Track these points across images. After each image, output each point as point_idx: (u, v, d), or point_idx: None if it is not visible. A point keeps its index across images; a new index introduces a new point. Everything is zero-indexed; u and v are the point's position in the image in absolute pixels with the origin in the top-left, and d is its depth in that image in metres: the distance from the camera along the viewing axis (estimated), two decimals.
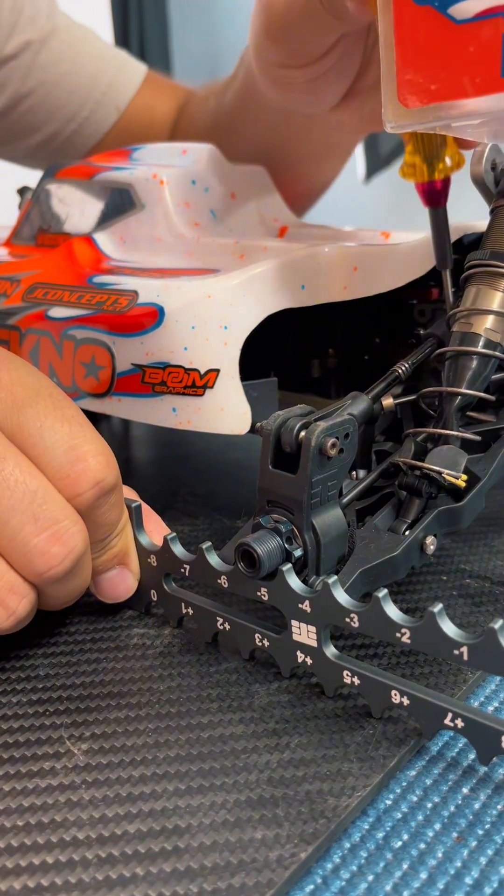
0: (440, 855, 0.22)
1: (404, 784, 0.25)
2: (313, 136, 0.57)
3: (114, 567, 0.32)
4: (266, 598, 0.29)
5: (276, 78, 0.45)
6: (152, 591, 0.33)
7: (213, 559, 0.30)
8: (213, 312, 0.37)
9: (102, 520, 0.30)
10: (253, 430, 0.37)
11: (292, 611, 0.28)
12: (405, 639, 0.25)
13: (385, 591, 0.25)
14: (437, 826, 0.23)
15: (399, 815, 0.24)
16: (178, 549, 0.31)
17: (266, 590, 0.28)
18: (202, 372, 0.37)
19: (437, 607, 0.24)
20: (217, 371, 0.37)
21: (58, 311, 0.42)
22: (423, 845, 0.23)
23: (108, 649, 0.31)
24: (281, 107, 0.50)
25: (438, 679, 0.29)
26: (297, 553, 0.29)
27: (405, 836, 0.23)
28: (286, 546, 0.29)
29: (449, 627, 0.24)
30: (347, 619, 0.26)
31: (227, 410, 0.37)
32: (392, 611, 0.25)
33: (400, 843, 0.23)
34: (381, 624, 0.26)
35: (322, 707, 0.28)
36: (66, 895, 0.21)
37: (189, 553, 0.31)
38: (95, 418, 0.58)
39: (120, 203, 0.49)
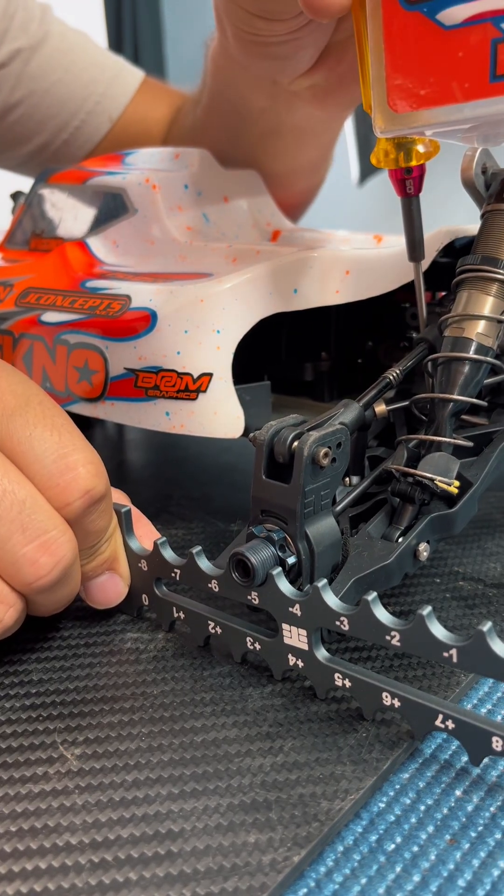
0: (433, 857, 0.23)
1: (397, 787, 0.25)
2: (292, 141, 0.55)
3: (104, 573, 0.32)
4: (257, 602, 0.29)
5: (252, 32, 0.40)
6: (143, 596, 0.33)
7: (204, 563, 0.30)
8: (205, 316, 0.37)
9: (92, 528, 0.30)
10: (246, 433, 0.37)
11: (283, 614, 0.28)
12: (395, 641, 0.25)
13: (374, 594, 0.26)
14: (431, 828, 0.23)
15: (392, 818, 0.24)
16: (168, 554, 0.31)
17: (257, 594, 0.28)
18: (195, 376, 0.37)
19: (426, 610, 0.24)
20: (210, 375, 0.37)
21: (51, 316, 0.43)
22: (416, 848, 0.23)
23: (101, 654, 0.31)
24: (252, 75, 0.47)
25: (432, 681, 0.29)
26: (291, 560, 0.29)
27: (398, 839, 0.23)
28: (280, 554, 0.29)
29: (438, 630, 0.24)
30: (337, 623, 0.26)
31: (220, 414, 0.37)
32: (381, 614, 0.25)
33: (393, 846, 0.23)
34: (370, 627, 0.26)
35: (315, 710, 0.28)
36: None
37: (179, 557, 0.31)
38: (89, 422, 0.58)
39: (113, 207, 0.49)
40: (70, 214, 0.51)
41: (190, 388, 0.37)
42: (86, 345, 0.40)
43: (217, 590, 0.30)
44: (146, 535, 0.34)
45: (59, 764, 0.26)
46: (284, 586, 0.28)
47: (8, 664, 0.31)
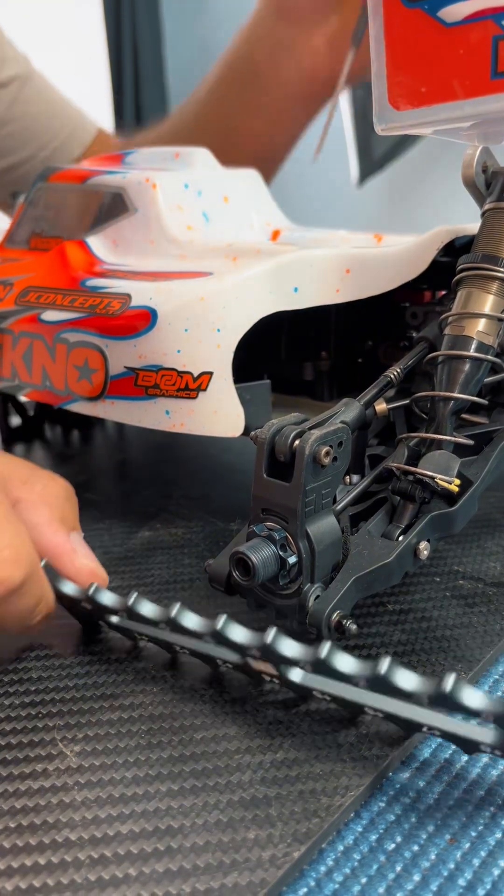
0: (433, 857, 0.22)
1: (397, 786, 0.25)
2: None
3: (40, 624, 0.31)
4: (201, 651, 0.28)
5: None
6: (100, 623, 0.32)
7: (146, 608, 0.29)
8: (205, 315, 0.37)
9: (13, 610, 0.29)
10: (246, 432, 0.37)
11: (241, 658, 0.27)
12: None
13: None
14: (431, 828, 0.23)
15: (392, 818, 0.24)
16: (107, 599, 0.30)
17: (204, 643, 0.27)
18: (195, 375, 0.37)
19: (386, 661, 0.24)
20: (210, 374, 0.37)
21: (51, 315, 0.42)
22: (416, 847, 0.23)
23: (100, 651, 0.31)
24: None
25: None
26: (292, 560, 0.29)
27: (398, 839, 0.23)
28: (280, 553, 0.29)
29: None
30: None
31: (220, 413, 0.37)
32: (343, 661, 0.25)
33: (393, 846, 0.23)
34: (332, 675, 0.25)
35: (315, 707, 0.28)
36: None
37: (121, 598, 0.29)
38: (89, 422, 0.58)
39: (112, 207, 0.49)
40: (70, 213, 0.51)
41: (190, 386, 0.37)
42: (86, 343, 0.40)
43: (167, 631, 0.28)
44: (83, 568, 0.32)
45: (58, 760, 0.25)
46: (238, 636, 0.27)
47: (7, 662, 0.31)
